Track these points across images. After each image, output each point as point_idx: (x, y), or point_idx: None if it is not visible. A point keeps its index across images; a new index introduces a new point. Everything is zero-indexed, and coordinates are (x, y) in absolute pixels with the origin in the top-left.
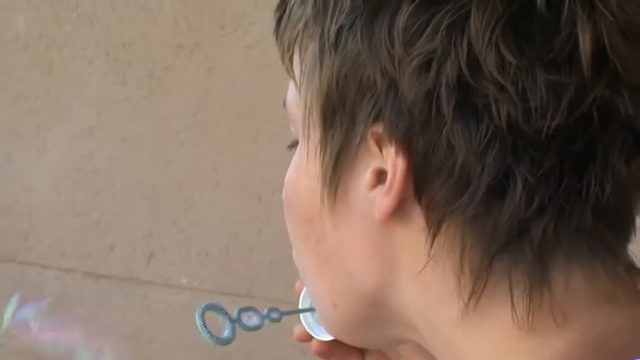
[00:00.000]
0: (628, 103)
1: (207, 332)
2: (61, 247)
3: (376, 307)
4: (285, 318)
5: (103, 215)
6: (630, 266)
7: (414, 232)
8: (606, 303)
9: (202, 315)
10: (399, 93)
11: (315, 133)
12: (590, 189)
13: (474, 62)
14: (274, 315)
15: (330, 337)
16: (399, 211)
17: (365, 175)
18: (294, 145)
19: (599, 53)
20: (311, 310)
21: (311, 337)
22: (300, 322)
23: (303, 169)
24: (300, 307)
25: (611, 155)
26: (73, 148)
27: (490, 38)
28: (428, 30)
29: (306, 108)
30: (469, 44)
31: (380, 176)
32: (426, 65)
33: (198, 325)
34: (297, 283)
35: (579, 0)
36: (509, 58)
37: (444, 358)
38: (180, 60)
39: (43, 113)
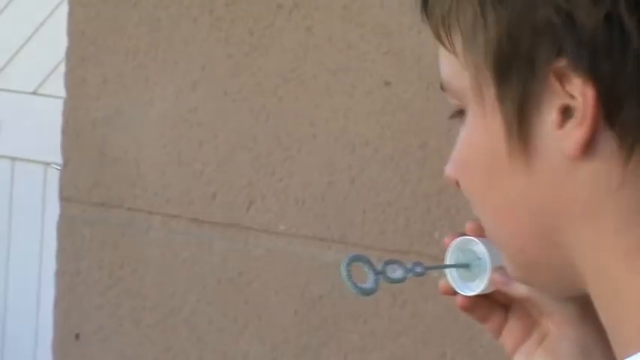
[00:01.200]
0: None
1: (352, 283)
2: (166, 195)
3: (558, 249)
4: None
5: (206, 165)
6: None
7: (601, 164)
8: None
9: (348, 266)
10: (577, 25)
11: (490, 92)
12: None
13: None
14: (418, 269)
15: (473, 293)
16: (590, 143)
17: (551, 116)
18: (455, 115)
19: None
20: (456, 266)
21: (455, 292)
22: (445, 277)
23: (481, 130)
24: (446, 262)
25: None
26: (179, 101)
27: None
28: None
29: (475, 71)
30: None
31: (566, 113)
32: None
33: (343, 275)
34: (446, 239)
35: None
36: None
37: (606, 304)
38: (279, 19)
39: (151, 69)
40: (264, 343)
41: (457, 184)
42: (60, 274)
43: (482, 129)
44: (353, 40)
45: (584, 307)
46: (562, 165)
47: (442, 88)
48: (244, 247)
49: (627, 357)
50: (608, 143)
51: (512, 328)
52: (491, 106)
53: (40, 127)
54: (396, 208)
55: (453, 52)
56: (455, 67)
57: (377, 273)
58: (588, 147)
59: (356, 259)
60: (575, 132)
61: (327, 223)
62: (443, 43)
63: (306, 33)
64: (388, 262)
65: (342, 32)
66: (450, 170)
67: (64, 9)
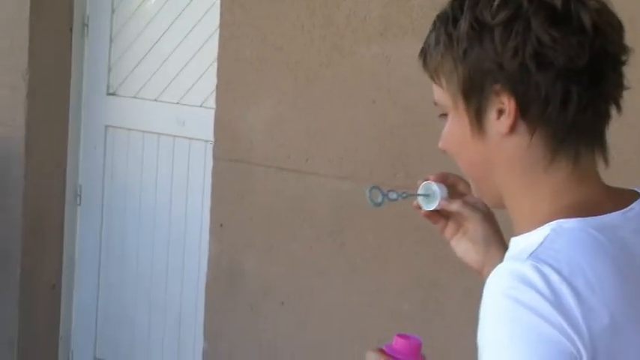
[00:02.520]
0: (611, 46)
1: (370, 199)
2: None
3: (495, 183)
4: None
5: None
6: (603, 144)
7: (520, 138)
8: (593, 182)
9: (370, 190)
10: (504, 68)
11: (461, 105)
12: (604, 89)
13: (540, 42)
14: (404, 195)
15: (430, 209)
16: (513, 127)
17: (493, 114)
18: (441, 116)
19: (594, 24)
20: (423, 195)
21: (421, 208)
22: (418, 201)
23: (457, 125)
24: (418, 192)
25: (608, 72)
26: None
27: (544, 29)
28: (511, 37)
29: (453, 95)
30: (535, 34)
31: (500, 112)
32: (515, 52)
33: (366, 194)
34: (418, 182)
35: (574, 1)
36: (557, 35)
37: (513, 206)
38: None
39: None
40: None
41: (444, 151)
42: None
43: (458, 124)
44: None
45: (486, 216)
46: (499, 139)
47: (435, 103)
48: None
49: (515, 237)
50: (522, 127)
51: (450, 227)
52: (462, 113)
53: (204, 124)
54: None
55: (441, 86)
56: (442, 93)
57: (383, 195)
58: (512, 130)
59: (373, 187)
60: (505, 122)
61: (358, 167)
62: (435, 82)
63: None
64: (389, 190)
65: None
66: (441, 144)
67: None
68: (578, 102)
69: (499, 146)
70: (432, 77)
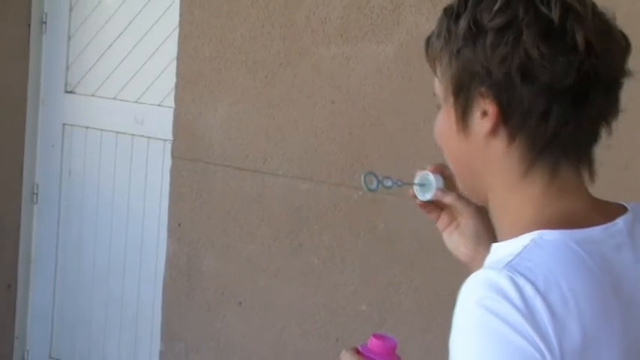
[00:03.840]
0: (603, 68)
1: (365, 185)
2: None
3: (479, 180)
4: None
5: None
6: (590, 160)
7: (500, 142)
8: (578, 194)
9: (365, 176)
10: (492, 73)
11: (450, 99)
12: (587, 110)
13: (527, 55)
14: (399, 182)
15: (425, 199)
16: (494, 130)
17: (477, 114)
18: (437, 106)
19: (588, 43)
20: (418, 184)
21: (416, 197)
22: (413, 190)
23: (446, 119)
24: (414, 182)
25: (596, 95)
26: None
27: (534, 42)
28: (502, 44)
29: (445, 88)
30: (524, 46)
31: (484, 113)
32: (504, 60)
33: (361, 180)
34: (416, 171)
35: (573, 18)
36: (545, 51)
37: (496, 209)
38: None
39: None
40: None
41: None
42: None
43: (447, 117)
44: None
45: (479, 211)
46: (481, 139)
47: (434, 94)
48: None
49: (496, 243)
50: (503, 133)
51: (443, 219)
52: (450, 107)
53: (162, 122)
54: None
55: (438, 77)
56: (438, 84)
57: (378, 181)
58: (493, 131)
59: (369, 173)
60: (487, 123)
61: (319, 167)
62: (434, 72)
63: None
64: (384, 177)
65: None
66: (435, 134)
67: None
68: (558, 119)
69: (481, 145)
70: (431, 67)
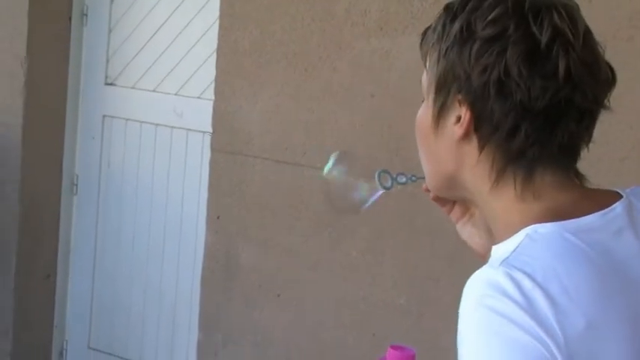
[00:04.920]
0: (579, 98)
1: (380, 183)
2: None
3: (453, 181)
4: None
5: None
6: (576, 172)
7: (472, 149)
8: (562, 189)
9: (379, 174)
10: (472, 81)
11: (431, 95)
12: (557, 135)
13: (507, 71)
14: (413, 178)
15: None
16: (466, 137)
17: (452, 118)
18: (422, 100)
19: (569, 72)
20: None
21: (429, 191)
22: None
23: (424, 113)
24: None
25: (568, 121)
26: None
27: (516, 61)
28: (486, 54)
29: (430, 83)
30: (505, 62)
31: (458, 119)
32: (484, 70)
33: (375, 178)
34: None
35: (561, 44)
36: (524, 71)
37: (485, 212)
38: None
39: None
40: None
41: None
42: None
43: (425, 112)
44: None
45: None
46: (453, 142)
47: (421, 84)
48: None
49: (495, 244)
50: (474, 140)
51: (457, 211)
52: (431, 102)
53: (202, 115)
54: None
55: (426, 69)
56: (425, 77)
57: (392, 179)
58: (465, 138)
59: (383, 171)
60: (460, 129)
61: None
62: (424, 63)
63: None
64: (398, 173)
65: None
66: (415, 124)
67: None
68: (527, 138)
69: (453, 147)
70: (422, 58)
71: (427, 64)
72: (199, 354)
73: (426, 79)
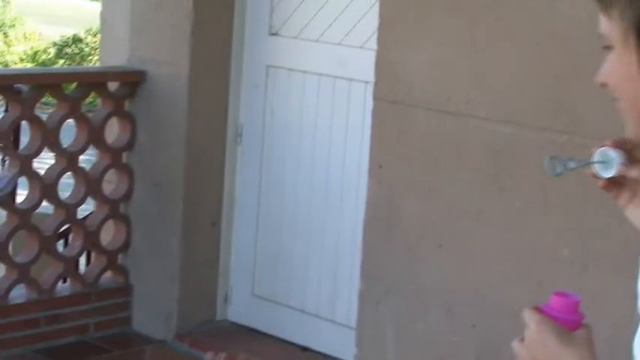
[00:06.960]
0: None
1: (550, 170)
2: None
3: None
4: None
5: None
6: None
7: None
8: None
9: (549, 161)
10: None
11: (632, 41)
12: None
13: None
14: (582, 163)
15: (608, 176)
16: None
17: None
18: (605, 48)
19: None
20: (600, 162)
21: (596, 177)
22: (594, 169)
23: (626, 61)
24: (594, 160)
25: None
26: None
27: None
28: None
29: (625, 29)
30: None
31: None
32: None
33: (546, 167)
34: (592, 149)
35: None
36: None
37: None
38: None
39: None
40: None
41: (603, 85)
42: None
43: (625, 59)
44: None
45: None
46: None
47: (599, 35)
48: None
49: None
50: None
51: (625, 195)
52: (631, 49)
53: (365, 65)
54: None
55: (611, 18)
56: (610, 26)
57: (563, 164)
58: None
59: (552, 157)
60: None
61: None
62: (604, 13)
63: None
64: (569, 158)
65: None
66: (601, 78)
67: None
68: None
69: None
70: (602, 8)
71: (614, 11)
72: (361, 303)
73: (615, 28)
